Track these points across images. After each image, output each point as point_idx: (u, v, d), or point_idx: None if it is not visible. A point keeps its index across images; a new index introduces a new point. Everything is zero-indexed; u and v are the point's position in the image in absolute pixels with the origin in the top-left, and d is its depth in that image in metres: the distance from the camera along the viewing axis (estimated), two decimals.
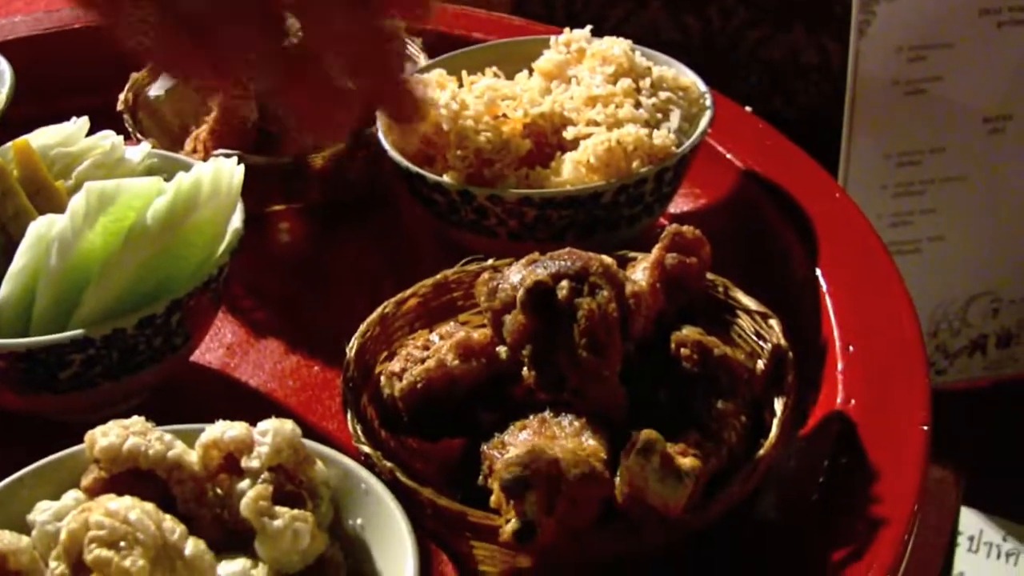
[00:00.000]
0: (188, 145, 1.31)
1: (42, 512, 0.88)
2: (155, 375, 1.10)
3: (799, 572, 0.96)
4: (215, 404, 0.93)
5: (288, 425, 0.90)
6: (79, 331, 1.03)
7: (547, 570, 0.94)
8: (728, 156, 1.38)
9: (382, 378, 1.02)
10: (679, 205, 1.35)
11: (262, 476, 0.88)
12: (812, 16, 1.88)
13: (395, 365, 1.02)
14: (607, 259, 0.98)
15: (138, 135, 1.33)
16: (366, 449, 0.95)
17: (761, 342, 1.03)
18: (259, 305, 1.29)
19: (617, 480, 0.88)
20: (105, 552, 0.80)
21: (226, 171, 1.09)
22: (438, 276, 1.11)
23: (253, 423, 0.91)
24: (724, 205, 1.36)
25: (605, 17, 1.94)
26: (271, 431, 0.89)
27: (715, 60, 1.91)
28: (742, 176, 1.36)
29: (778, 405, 0.97)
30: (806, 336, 1.13)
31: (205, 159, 1.21)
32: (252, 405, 0.93)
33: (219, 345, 1.24)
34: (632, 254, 1.08)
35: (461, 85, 1.30)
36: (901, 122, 1.70)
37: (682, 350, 0.98)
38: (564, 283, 0.95)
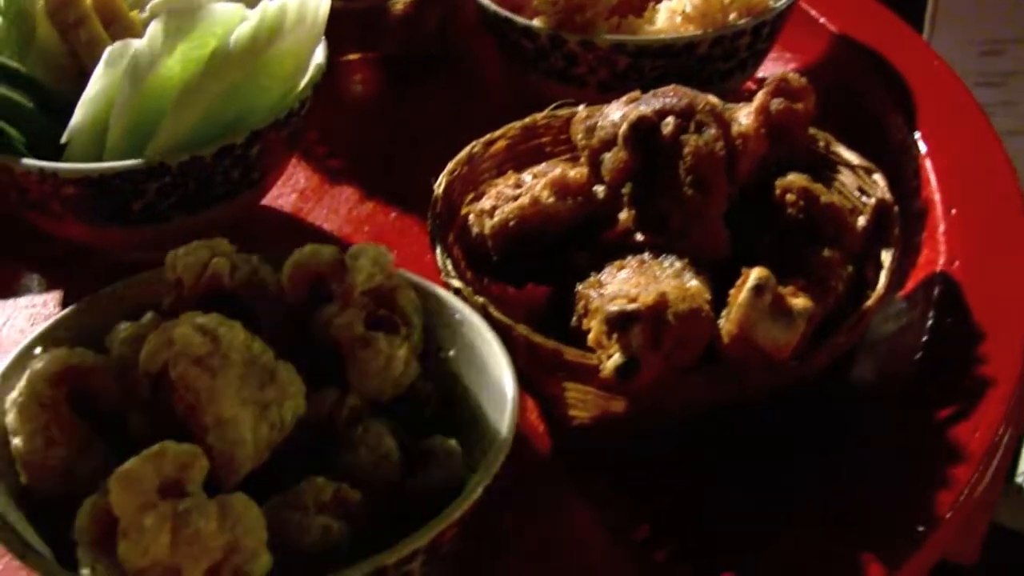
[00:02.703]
0: None
1: (120, 332, 0.84)
2: (229, 210, 1.06)
3: (902, 432, 0.92)
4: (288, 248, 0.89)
5: (381, 249, 0.85)
6: (156, 157, 0.99)
7: (638, 417, 0.90)
8: (821, 20, 1.33)
9: (471, 217, 0.98)
10: (769, 69, 1.30)
11: (354, 300, 0.84)
12: None
13: (486, 203, 0.97)
14: (714, 98, 0.94)
15: None
16: (456, 284, 0.91)
17: (864, 198, 0.99)
18: (333, 153, 1.25)
19: (722, 321, 0.84)
20: (192, 368, 0.75)
21: (312, 0, 1.04)
22: (527, 120, 1.06)
23: None
24: (817, 69, 1.30)
25: None
26: (363, 254, 0.84)
27: None
28: (835, 40, 1.32)
29: (885, 257, 0.93)
30: (905, 199, 1.08)
31: None
32: None
33: (291, 190, 1.20)
34: (730, 105, 1.03)
35: None
36: (987, 7, 1.65)
37: (787, 196, 0.94)
38: (669, 119, 0.91)
